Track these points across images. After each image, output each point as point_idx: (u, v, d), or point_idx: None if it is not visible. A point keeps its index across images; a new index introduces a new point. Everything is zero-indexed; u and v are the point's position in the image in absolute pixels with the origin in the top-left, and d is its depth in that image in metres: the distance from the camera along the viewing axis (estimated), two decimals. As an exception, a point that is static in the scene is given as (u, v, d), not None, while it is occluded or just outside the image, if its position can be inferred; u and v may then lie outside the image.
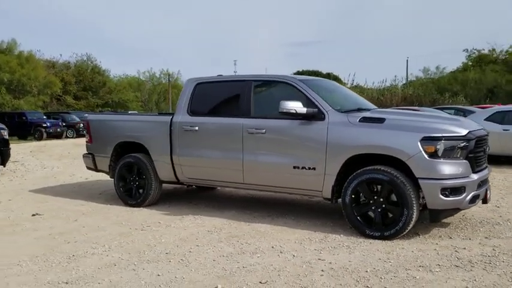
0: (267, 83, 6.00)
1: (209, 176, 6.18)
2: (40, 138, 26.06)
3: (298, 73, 75.27)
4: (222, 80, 6.31)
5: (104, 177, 9.64)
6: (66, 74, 45.17)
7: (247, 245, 4.81)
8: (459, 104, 31.18)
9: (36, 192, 8.13)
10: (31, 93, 37.97)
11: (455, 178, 4.70)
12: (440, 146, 4.67)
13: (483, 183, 5.07)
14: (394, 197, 4.92)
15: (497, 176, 9.27)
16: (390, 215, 4.98)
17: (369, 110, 5.69)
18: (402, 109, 12.25)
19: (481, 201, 5.09)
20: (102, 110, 44.18)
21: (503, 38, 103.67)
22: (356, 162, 5.14)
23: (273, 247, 4.74)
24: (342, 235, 5.11)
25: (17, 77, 36.82)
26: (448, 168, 4.69)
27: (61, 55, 67.68)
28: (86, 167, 7.57)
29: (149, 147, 6.55)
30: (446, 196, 4.67)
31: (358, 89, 32.30)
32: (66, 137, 28.77)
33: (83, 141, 23.45)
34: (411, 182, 4.77)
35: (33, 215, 6.35)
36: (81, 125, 29.13)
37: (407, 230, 4.86)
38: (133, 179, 6.79)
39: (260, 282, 3.78)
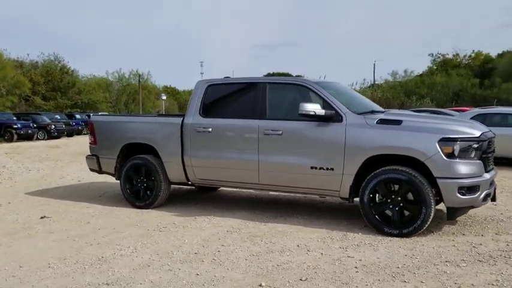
0: (282, 86, 6.10)
1: (222, 177, 6.23)
2: (10, 140, 25.25)
3: (270, 75, 75.75)
4: (235, 82, 6.37)
5: (98, 179, 9.63)
6: (35, 74, 43.88)
7: (272, 244, 4.90)
8: (426, 107, 32.21)
9: (34, 195, 7.96)
10: (-1, 93, 36.76)
11: (471, 177, 4.94)
12: (457, 147, 4.89)
13: (492, 182, 5.33)
14: (410, 196, 5.12)
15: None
16: (406, 213, 5.17)
17: (381, 112, 5.88)
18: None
19: (490, 199, 5.35)
20: (71, 111, 43.19)
21: (467, 43, 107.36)
22: (372, 163, 5.31)
23: (298, 246, 4.84)
24: (360, 233, 5.26)
25: (-16, 76, 35.59)
26: (464, 168, 4.91)
27: (28, 54, 65.75)
28: (90, 168, 7.47)
29: (159, 148, 6.54)
30: (463, 195, 4.89)
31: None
32: (37, 138, 27.97)
33: (56, 143, 23.06)
34: (428, 182, 4.98)
35: (42, 217, 6.23)
36: (53, 126, 28.50)
37: (425, 227, 5.06)
38: (140, 180, 6.76)
39: (300, 280, 3.87)
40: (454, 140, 4.92)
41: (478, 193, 4.98)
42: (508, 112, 12.21)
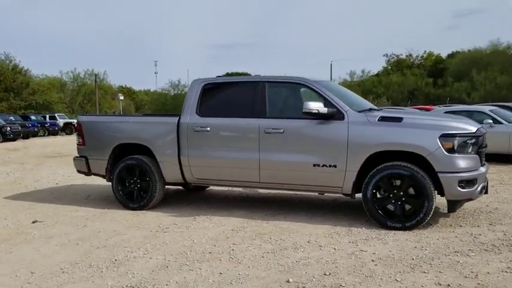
0: (282, 84, 6.14)
1: (221, 176, 6.21)
2: (-37, 143, 24.03)
3: (228, 74, 75.69)
4: (233, 81, 6.38)
5: (76, 181, 9.40)
6: (-15, 75, 41.93)
7: (283, 241, 4.94)
8: (383, 105, 33.24)
9: (15, 199, 7.63)
10: None
11: (470, 171, 5.17)
12: (456, 142, 5.11)
13: (485, 175, 5.60)
14: (411, 191, 5.30)
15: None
16: (407, 208, 5.34)
17: (378, 109, 6.04)
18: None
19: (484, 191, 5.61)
20: (25, 112, 41.51)
21: (418, 44, 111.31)
22: (373, 159, 5.45)
23: (309, 242, 4.91)
24: (363, 228, 5.39)
25: None
26: (463, 162, 5.14)
27: (-23, 54, 62.53)
28: (77, 170, 7.24)
29: (154, 148, 6.43)
30: (463, 188, 5.12)
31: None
32: (-9, 141, 26.72)
33: (14, 145, 22.14)
34: (428, 176, 5.17)
35: (34, 222, 6.01)
36: (8, 128, 27.28)
37: (426, 220, 5.25)
38: (134, 181, 6.62)
39: (325, 274, 3.94)
40: (454, 135, 5.13)
41: (476, 186, 5.22)
42: (473, 109, 12.77)
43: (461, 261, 4.19)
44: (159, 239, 5.13)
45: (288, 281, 3.80)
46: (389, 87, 47.75)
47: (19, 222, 6.05)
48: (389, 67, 60.30)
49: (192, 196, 7.70)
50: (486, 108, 12.24)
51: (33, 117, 35.53)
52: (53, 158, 14.70)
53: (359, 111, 5.63)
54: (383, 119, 5.44)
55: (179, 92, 69.94)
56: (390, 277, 3.85)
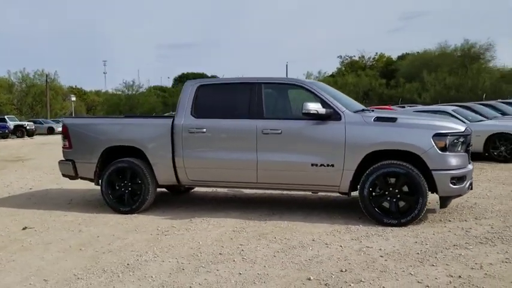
0: (278, 86, 6.24)
1: (218, 177, 6.23)
2: None
3: (184, 75, 75.09)
4: (228, 82, 6.41)
5: (50, 185, 9.19)
6: None
7: (288, 241, 5.04)
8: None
9: (-8, 206, 7.31)
10: None
11: (460, 168, 5.47)
12: (448, 141, 5.39)
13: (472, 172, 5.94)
14: (405, 188, 5.54)
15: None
16: (401, 204, 5.57)
17: (370, 110, 6.25)
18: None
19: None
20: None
21: (369, 46, 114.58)
22: (368, 158, 5.65)
23: (313, 240, 5.03)
24: (360, 225, 5.57)
25: None
26: (454, 160, 5.42)
27: None
28: (62, 174, 7.03)
29: (147, 150, 6.36)
30: (454, 184, 5.41)
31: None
32: None
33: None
34: (422, 174, 5.42)
35: (24, 228, 5.80)
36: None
37: (421, 216, 5.50)
38: (124, 184, 6.52)
39: (341, 271, 4.07)
40: (445, 135, 5.41)
41: (465, 182, 5.52)
42: (436, 109, 13.37)
43: (462, 254, 4.44)
44: (162, 242, 5.10)
45: (309, 279, 3.90)
46: (344, 88, 48.94)
47: (8, 229, 5.83)
48: (343, 68, 61.83)
49: (180, 198, 7.66)
50: (449, 108, 12.85)
51: (-19, 120, 33.87)
52: (14, 163, 14.10)
53: (354, 112, 5.82)
54: (378, 119, 5.65)
55: (133, 92, 68.63)
56: (404, 271, 4.03)
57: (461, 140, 5.52)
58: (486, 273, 3.94)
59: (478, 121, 12.49)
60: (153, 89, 77.05)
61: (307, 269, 4.14)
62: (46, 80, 53.89)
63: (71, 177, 6.98)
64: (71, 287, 3.86)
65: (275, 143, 5.89)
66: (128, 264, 4.36)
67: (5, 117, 36.69)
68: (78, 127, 6.86)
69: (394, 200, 5.53)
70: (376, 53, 63.62)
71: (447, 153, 5.39)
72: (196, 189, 8.07)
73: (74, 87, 77.00)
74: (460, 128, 5.61)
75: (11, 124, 34.91)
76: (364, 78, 49.62)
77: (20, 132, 34.91)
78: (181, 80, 75.12)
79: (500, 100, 22.42)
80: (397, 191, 5.52)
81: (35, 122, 39.28)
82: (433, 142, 5.36)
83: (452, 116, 12.16)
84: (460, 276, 3.87)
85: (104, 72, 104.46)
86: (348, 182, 5.68)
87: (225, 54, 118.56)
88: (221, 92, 6.40)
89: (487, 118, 13.48)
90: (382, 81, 49.54)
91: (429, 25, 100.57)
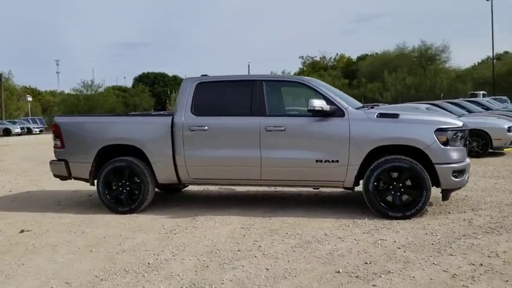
0: (280, 83, 6.27)
1: (220, 175, 6.18)
2: None
3: (145, 75, 73.77)
4: (228, 79, 6.37)
5: (30, 187, 8.86)
6: None
7: (301, 236, 5.06)
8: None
9: (-24, 209, 6.96)
10: None
11: (460, 162, 5.66)
12: (449, 136, 5.57)
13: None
14: (409, 182, 5.68)
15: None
16: (404, 198, 5.71)
17: (370, 107, 6.37)
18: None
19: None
20: None
21: (329, 47, 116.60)
22: (371, 154, 5.75)
23: (326, 234, 5.08)
24: (366, 219, 5.67)
25: None
26: (455, 154, 5.61)
27: None
28: (54, 174, 6.77)
29: (146, 149, 6.22)
30: (456, 177, 5.59)
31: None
32: None
33: None
34: (425, 168, 5.58)
35: (21, 231, 5.56)
36: None
37: (424, 209, 5.66)
38: (122, 184, 6.35)
39: (366, 263, 4.13)
40: (446, 130, 5.59)
41: (465, 175, 5.73)
42: (411, 107, 13.78)
43: (475, 243, 4.60)
44: (174, 240, 5.01)
45: (338, 272, 3.93)
46: (308, 88, 49.73)
47: (4, 232, 5.57)
48: (305, 68, 62.59)
49: (174, 197, 7.55)
50: (423, 106, 13.27)
51: None
52: (-19, 165, 13.49)
53: (356, 109, 5.92)
54: (381, 115, 5.77)
55: (92, 92, 66.76)
56: (426, 261, 4.14)
57: (460, 134, 5.71)
58: (504, 261, 4.09)
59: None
60: (112, 89, 75.25)
61: (332, 263, 4.17)
62: (0, 80, 51.63)
63: (63, 178, 6.74)
64: (97, 286, 3.73)
65: (279, 140, 5.91)
66: (148, 263, 4.26)
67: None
68: (71, 126, 6.63)
69: (398, 193, 5.66)
70: (337, 53, 64.89)
71: (448, 147, 5.56)
72: (189, 187, 7.96)
73: (28, 87, 74.15)
74: (459, 123, 5.81)
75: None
76: (327, 78, 50.34)
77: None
78: (141, 79, 73.72)
79: (462, 98, 23.36)
80: (401, 185, 5.65)
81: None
82: (435, 137, 5.52)
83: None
84: (481, 264, 4.01)
85: (57, 72, 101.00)
86: (352, 177, 5.77)
87: (186, 54, 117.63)
88: (222, 90, 6.35)
89: (457, 115, 14.01)
90: (344, 82, 50.56)
91: (382, 27, 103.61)
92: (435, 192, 5.92)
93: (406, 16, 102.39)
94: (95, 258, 4.49)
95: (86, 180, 6.58)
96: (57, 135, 6.58)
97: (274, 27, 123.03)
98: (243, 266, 4.13)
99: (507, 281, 3.65)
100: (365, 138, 5.67)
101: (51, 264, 4.36)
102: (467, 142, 5.99)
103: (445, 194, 5.76)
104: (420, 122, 5.67)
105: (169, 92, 40.84)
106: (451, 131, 5.62)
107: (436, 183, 5.66)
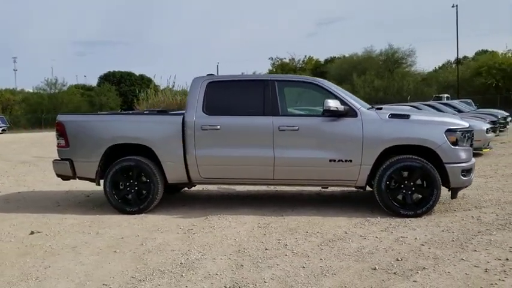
0: (293, 83, 6.31)
1: (232, 175, 6.16)
2: None
3: (110, 73, 72.23)
4: (241, 79, 6.36)
5: (20, 188, 8.60)
6: None
7: (322, 234, 5.12)
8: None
9: (-28, 211, 6.67)
10: None
11: (468, 161, 5.86)
12: (458, 136, 5.76)
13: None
14: (419, 181, 5.84)
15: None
16: (414, 196, 5.87)
17: (378, 108, 6.50)
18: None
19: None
20: None
21: (296, 49, 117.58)
22: (384, 153, 5.87)
23: (346, 233, 5.16)
24: (378, 217, 5.79)
25: None
26: (463, 153, 5.80)
27: None
28: (57, 174, 6.57)
29: (156, 148, 6.13)
30: (464, 176, 5.79)
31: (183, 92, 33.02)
32: None
33: None
34: (435, 167, 5.75)
35: (32, 233, 5.38)
36: None
37: (434, 207, 5.83)
38: (130, 184, 6.24)
39: (397, 260, 4.22)
40: (455, 130, 5.78)
41: (472, 174, 5.94)
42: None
43: (492, 240, 4.78)
44: (196, 240, 4.97)
45: (374, 269, 4.01)
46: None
47: (12, 234, 5.37)
48: (275, 70, 62.93)
49: (176, 196, 7.48)
50: (406, 108, 13.62)
51: None
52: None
53: (368, 109, 6.03)
54: (393, 116, 5.90)
55: (56, 91, 64.93)
56: (454, 257, 4.27)
57: (467, 135, 5.92)
58: (526, 255, 4.28)
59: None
60: (76, 87, 73.30)
61: (364, 260, 4.24)
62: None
63: (67, 178, 6.57)
64: (139, 286, 3.66)
65: (292, 140, 5.95)
66: (181, 263, 4.22)
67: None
68: (77, 124, 6.46)
69: (409, 192, 5.80)
70: (306, 55, 65.56)
71: (457, 147, 5.75)
72: (187, 187, 7.88)
73: (-15, 85, 71.29)
74: (465, 124, 6.02)
75: None
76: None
77: None
78: (106, 78, 72.09)
79: (432, 101, 24.09)
80: (412, 184, 5.80)
81: None
82: (445, 137, 5.69)
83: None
84: (507, 259, 4.17)
85: (14, 70, 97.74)
86: (365, 177, 5.88)
87: (151, 54, 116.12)
88: (234, 89, 6.32)
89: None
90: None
91: (345, 31, 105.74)
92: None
93: (368, 21, 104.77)
94: (123, 259, 4.40)
95: (92, 180, 6.42)
96: (61, 134, 6.39)
97: (242, 27, 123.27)
98: (278, 265, 4.14)
99: (538, 274, 3.82)
100: (378, 138, 5.79)
101: (80, 266, 4.24)
102: (473, 143, 6.21)
103: (454, 193, 5.96)
104: (431, 123, 5.83)
105: (137, 91, 40.16)
106: (459, 131, 5.81)
107: (444, 182, 5.84)
